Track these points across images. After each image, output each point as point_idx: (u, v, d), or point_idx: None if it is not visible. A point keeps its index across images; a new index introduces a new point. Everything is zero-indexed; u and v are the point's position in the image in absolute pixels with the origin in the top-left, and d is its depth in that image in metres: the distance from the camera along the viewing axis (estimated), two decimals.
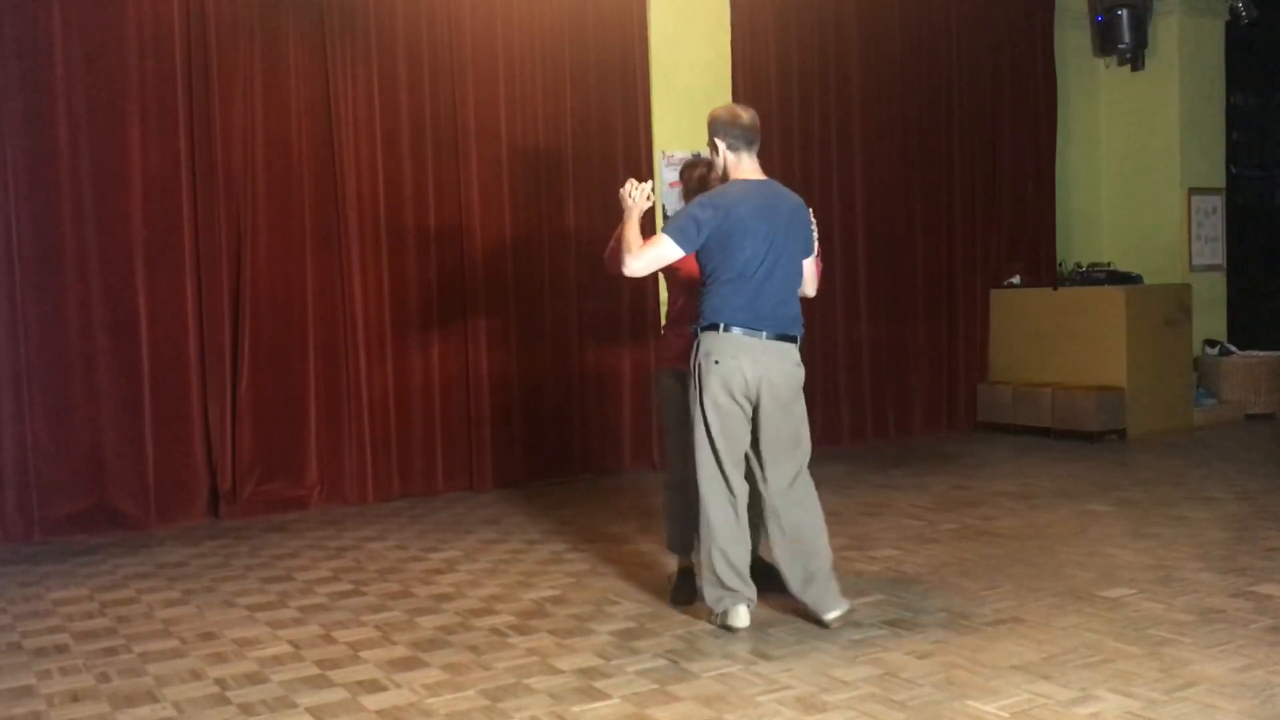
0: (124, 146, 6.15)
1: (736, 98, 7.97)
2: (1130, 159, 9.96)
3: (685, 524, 4.47)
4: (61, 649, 4.13)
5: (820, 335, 8.44)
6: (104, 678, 3.80)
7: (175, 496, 6.29)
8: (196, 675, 3.80)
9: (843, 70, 8.57)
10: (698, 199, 4.14)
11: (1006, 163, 9.41)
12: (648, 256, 4.08)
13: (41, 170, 5.97)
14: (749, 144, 4.15)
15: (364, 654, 3.99)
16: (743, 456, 4.12)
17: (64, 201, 6.01)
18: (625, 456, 7.57)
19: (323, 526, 6.19)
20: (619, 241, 4.22)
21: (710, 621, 4.16)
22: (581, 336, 7.47)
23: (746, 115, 4.15)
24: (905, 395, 8.92)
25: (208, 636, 4.24)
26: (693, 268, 4.25)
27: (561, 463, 7.40)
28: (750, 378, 4.01)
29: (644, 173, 7.61)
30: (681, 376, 4.34)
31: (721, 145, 4.15)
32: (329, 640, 4.16)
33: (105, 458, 6.12)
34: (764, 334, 4.03)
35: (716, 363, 3.99)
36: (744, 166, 4.16)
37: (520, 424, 7.26)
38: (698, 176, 4.58)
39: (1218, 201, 9.84)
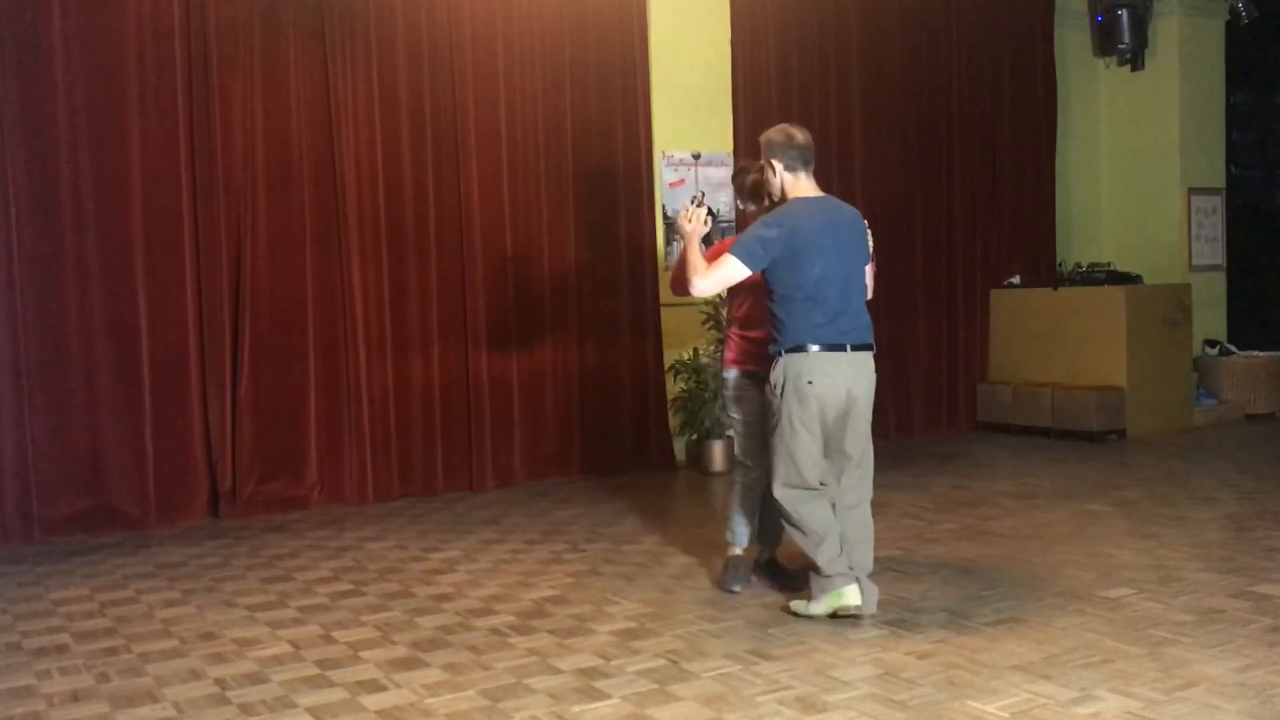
0: (124, 146, 6.15)
1: (736, 98, 8.00)
2: (1130, 159, 9.96)
3: (755, 515, 4.65)
4: (61, 649, 4.13)
5: None
6: (104, 678, 3.80)
7: (175, 496, 6.29)
8: (196, 675, 3.80)
9: (843, 70, 8.57)
10: (762, 219, 4.22)
11: (1006, 163, 9.42)
12: (715, 277, 4.18)
13: (41, 170, 5.97)
14: (805, 164, 4.25)
15: (364, 654, 3.98)
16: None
17: (64, 201, 6.01)
18: (625, 456, 7.57)
19: (323, 526, 6.19)
20: (683, 263, 4.30)
21: (811, 614, 4.15)
22: (581, 336, 7.47)
23: (801, 135, 4.25)
24: (905, 395, 8.92)
25: (208, 636, 4.24)
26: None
27: (561, 463, 7.41)
28: (841, 393, 4.12)
29: (644, 172, 7.63)
30: (755, 376, 4.47)
31: (779, 166, 4.24)
32: (329, 640, 4.16)
33: (105, 458, 6.12)
34: (848, 346, 4.14)
35: (810, 383, 4.08)
36: (802, 185, 4.25)
37: (520, 424, 7.26)
38: (751, 182, 4.64)
39: (1218, 201, 9.85)
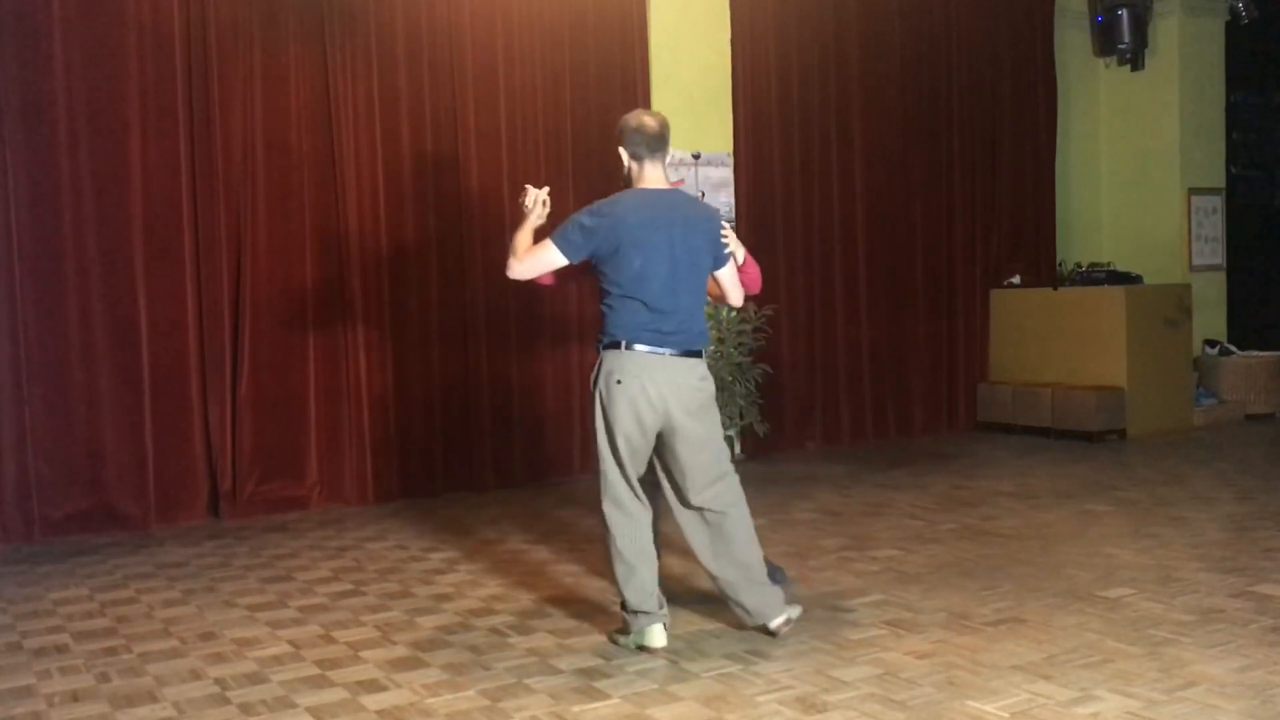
0: (124, 147, 6.14)
1: (736, 98, 8.00)
2: (1130, 159, 9.96)
3: None
4: (61, 649, 4.13)
5: (820, 335, 8.46)
6: (104, 678, 3.80)
7: (175, 496, 6.29)
8: (196, 675, 3.80)
9: (843, 70, 8.57)
10: (587, 208, 4.05)
11: (1006, 163, 9.41)
12: (530, 261, 4.04)
13: (41, 170, 5.97)
14: (652, 152, 4.05)
15: (364, 654, 3.99)
16: (644, 474, 4.02)
17: (64, 201, 6.01)
18: None
19: (323, 526, 6.19)
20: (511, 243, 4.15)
21: (624, 645, 3.99)
22: (581, 337, 7.46)
23: (654, 122, 4.05)
24: (905, 395, 8.92)
25: (208, 636, 4.24)
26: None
27: (561, 463, 7.40)
28: (654, 396, 3.88)
29: None
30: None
31: (625, 153, 4.08)
32: (329, 640, 4.16)
33: (105, 458, 6.12)
34: (668, 351, 3.91)
35: (619, 382, 3.87)
36: (647, 175, 4.06)
37: (520, 424, 7.26)
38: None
39: (1218, 201, 9.85)
